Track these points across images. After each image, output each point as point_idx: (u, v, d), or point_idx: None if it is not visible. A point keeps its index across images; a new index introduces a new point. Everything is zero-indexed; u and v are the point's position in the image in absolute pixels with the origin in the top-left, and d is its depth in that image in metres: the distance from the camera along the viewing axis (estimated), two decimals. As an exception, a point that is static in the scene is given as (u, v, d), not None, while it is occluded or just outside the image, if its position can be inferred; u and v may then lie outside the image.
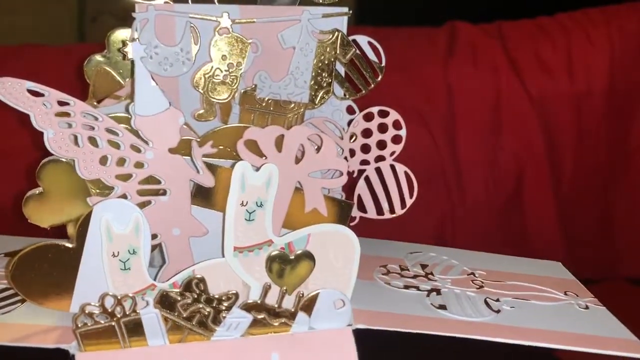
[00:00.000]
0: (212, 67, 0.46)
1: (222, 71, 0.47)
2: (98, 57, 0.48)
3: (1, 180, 0.73)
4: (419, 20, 0.90)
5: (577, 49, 0.82)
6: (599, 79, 0.81)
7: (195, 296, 0.39)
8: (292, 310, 0.41)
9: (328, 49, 0.49)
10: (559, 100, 0.81)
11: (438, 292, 0.46)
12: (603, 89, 0.81)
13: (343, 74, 0.50)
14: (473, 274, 0.50)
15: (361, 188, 0.51)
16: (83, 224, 0.39)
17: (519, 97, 0.81)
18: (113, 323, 0.38)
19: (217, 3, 0.47)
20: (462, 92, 0.81)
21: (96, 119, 0.42)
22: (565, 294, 0.48)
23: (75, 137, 0.41)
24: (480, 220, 0.70)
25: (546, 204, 0.83)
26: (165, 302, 0.39)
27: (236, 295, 0.40)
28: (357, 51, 0.49)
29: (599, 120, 0.82)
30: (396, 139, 0.51)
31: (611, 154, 0.84)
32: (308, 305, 0.41)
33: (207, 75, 0.47)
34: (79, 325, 0.38)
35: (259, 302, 0.40)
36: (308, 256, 0.42)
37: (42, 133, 0.42)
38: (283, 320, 0.41)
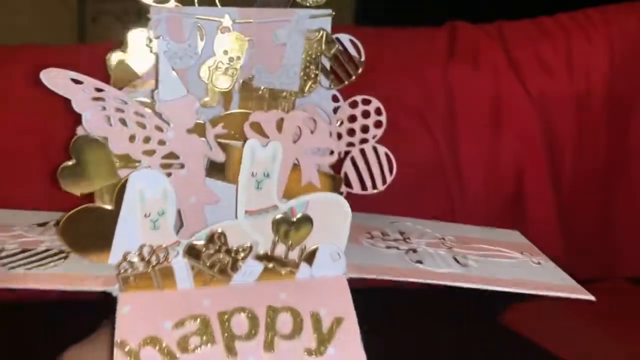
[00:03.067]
0: (215, 60, 0.57)
1: (224, 64, 0.57)
2: (118, 53, 0.61)
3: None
4: (419, 20, 0.96)
5: (577, 49, 0.89)
6: (599, 79, 0.89)
7: (217, 248, 0.53)
8: (297, 261, 0.55)
9: (315, 45, 0.59)
10: (559, 100, 0.89)
11: (415, 251, 0.60)
12: (603, 89, 0.89)
13: (328, 67, 0.61)
14: (443, 239, 0.65)
15: (347, 167, 0.64)
16: (120, 190, 0.52)
17: (519, 97, 0.88)
18: (149, 269, 0.52)
19: (219, 6, 0.58)
20: (462, 92, 0.88)
21: (126, 103, 0.55)
22: (522, 254, 0.63)
23: (108, 118, 0.55)
24: (479, 219, 0.75)
25: (546, 203, 0.91)
26: (192, 252, 0.52)
27: (250, 247, 0.53)
28: (340, 47, 0.63)
29: (598, 120, 0.90)
30: (378, 124, 0.64)
31: (611, 154, 0.92)
32: (309, 257, 0.54)
33: (211, 68, 0.57)
34: (121, 271, 0.51)
35: (269, 253, 0.54)
36: (307, 219, 0.56)
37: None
38: (289, 269, 0.54)
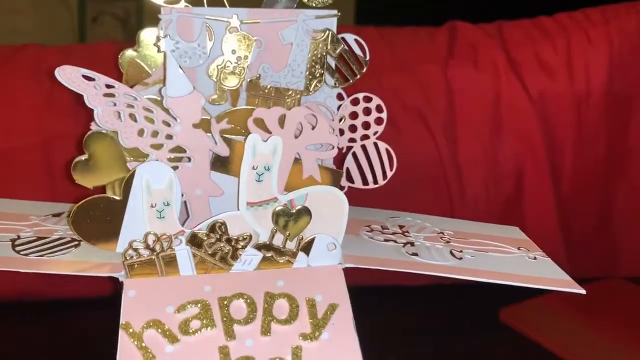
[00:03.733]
0: (223, 59, 0.61)
1: (231, 63, 0.61)
2: (130, 51, 0.65)
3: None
4: (419, 20, 0.98)
5: (577, 48, 0.90)
6: (598, 79, 0.90)
7: (218, 237, 0.56)
8: (294, 250, 0.58)
9: (320, 45, 0.63)
10: (558, 100, 0.90)
11: (412, 244, 0.63)
12: (602, 89, 0.90)
13: (333, 66, 0.64)
14: (442, 233, 0.68)
15: (349, 162, 0.67)
16: (128, 181, 0.56)
17: (518, 97, 0.89)
18: (153, 257, 0.55)
19: (228, 6, 0.61)
20: (462, 92, 0.89)
21: (135, 99, 0.58)
22: (519, 249, 0.66)
23: (119, 113, 0.58)
24: (479, 219, 0.76)
25: (546, 203, 0.92)
26: (194, 241, 0.56)
27: (250, 236, 0.57)
28: (345, 47, 0.65)
29: (598, 119, 0.91)
30: (378, 121, 0.67)
31: (610, 153, 0.93)
32: (307, 247, 0.58)
33: (219, 67, 0.61)
34: (127, 258, 0.55)
35: (267, 243, 0.58)
36: (306, 211, 0.59)
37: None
38: (287, 259, 0.58)
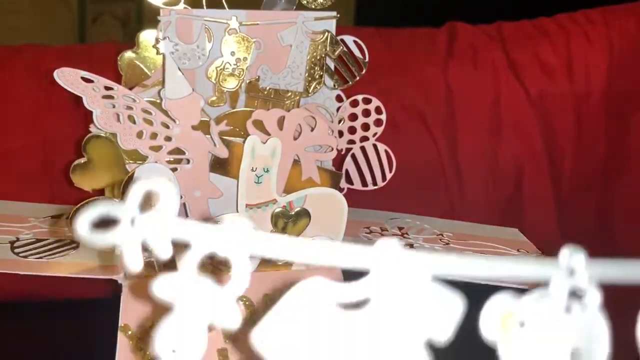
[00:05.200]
0: (222, 61, 0.61)
1: (231, 65, 0.61)
2: (129, 53, 0.65)
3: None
4: (419, 20, 0.97)
5: (577, 49, 0.89)
6: (598, 80, 0.89)
7: (217, 238, 0.56)
8: (293, 252, 0.58)
9: (319, 47, 0.63)
10: (558, 101, 0.89)
11: (411, 246, 0.64)
12: (602, 90, 0.89)
13: (332, 68, 0.64)
14: (442, 234, 0.68)
15: (348, 164, 0.67)
16: (127, 183, 0.56)
17: (518, 98, 0.88)
18: (152, 259, 0.56)
19: (227, 8, 0.62)
20: (462, 93, 0.88)
21: (134, 101, 0.59)
22: (518, 251, 0.66)
23: (118, 115, 0.58)
24: (479, 219, 0.76)
25: (546, 203, 0.92)
26: (193, 243, 0.56)
27: (249, 238, 0.57)
28: (344, 48, 0.66)
29: (598, 120, 0.90)
30: (378, 122, 0.67)
31: (610, 154, 0.92)
32: (305, 249, 0.58)
33: (218, 68, 0.61)
34: (126, 260, 0.55)
35: (266, 245, 0.58)
36: (305, 213, 0.59)
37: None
38: (285, 261, 0.58)
